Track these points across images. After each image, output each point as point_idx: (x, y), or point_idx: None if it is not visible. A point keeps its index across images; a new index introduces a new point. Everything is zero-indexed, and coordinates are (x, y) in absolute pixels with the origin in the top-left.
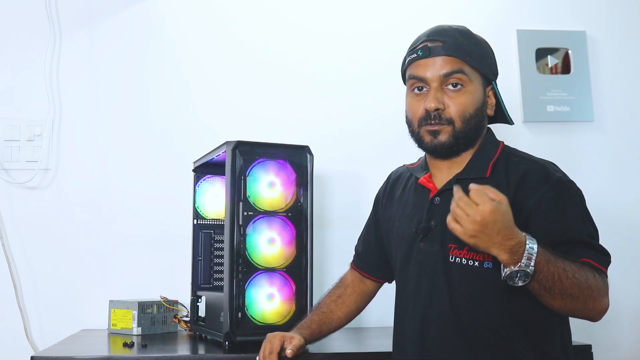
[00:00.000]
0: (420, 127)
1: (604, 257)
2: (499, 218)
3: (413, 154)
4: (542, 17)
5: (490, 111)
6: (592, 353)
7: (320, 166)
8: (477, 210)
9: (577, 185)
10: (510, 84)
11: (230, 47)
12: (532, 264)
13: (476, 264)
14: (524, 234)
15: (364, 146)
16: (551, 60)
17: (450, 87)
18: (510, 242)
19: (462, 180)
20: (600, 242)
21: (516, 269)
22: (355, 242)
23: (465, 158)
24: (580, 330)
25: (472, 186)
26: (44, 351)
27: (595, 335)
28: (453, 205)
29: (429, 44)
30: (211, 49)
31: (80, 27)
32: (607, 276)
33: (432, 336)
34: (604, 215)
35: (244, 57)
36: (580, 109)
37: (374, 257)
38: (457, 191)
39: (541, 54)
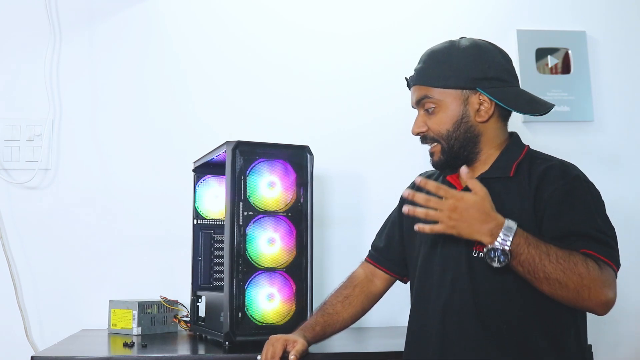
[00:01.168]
0: None
1: (609, 250)
2: (470, 204)
3: (413, 154)
4: (542, 17)
5: (480, 117)
6: (592, 353)
7: (320, 166)
8: (445, 203)
9: (595, 187)
10: None
11: (231, 47)
12: (509, 242)
13: None
14: (505, 218)
15: (364, 146)
16: (551, 60)
17: (428, 110)
18: (488, 225)
19: (487, 179)
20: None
21: (491, 246)
22: (355, 242)
23: (490, 158)
24: None
25: (431, 183)
26: (44, 351)
27: (595, 335)
28: (423, 210)
29: (408, 78)
30: (211, 49)
31: (80, 27)
32: (612, 268)
33: (453, 327)
34: None
35: (244, 57)
36: (580, 109)
37: (395, 253)
38: (418, 195)
39: (541, 54)
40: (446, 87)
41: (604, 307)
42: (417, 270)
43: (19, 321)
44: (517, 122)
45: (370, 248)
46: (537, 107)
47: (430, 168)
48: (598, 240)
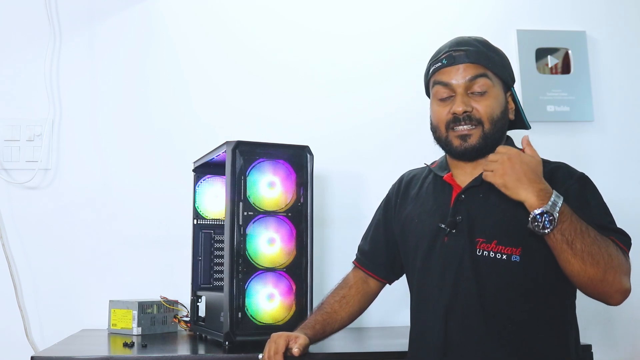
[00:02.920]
0: (448, 132)
1: (626, 239)
2: (525, 161)
3: (413, 153)
4: (542, 17)
5: (511, 115)
6: (592, 353)
7: (320, 166)
8: (503, 154)
9: None
10: None
11: (231, 47)
12: (557, 209)
13: (504, 257)
14: (553, 191)
15: (364, 146)
16: (551, 60)
17: (475, 92)
18: (537, 185)
19: (486, 182)
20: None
21: (541, 210)
22: (355, 242)
23: None
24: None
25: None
26: (44, 351)
27: (595, 335)
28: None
29: (453, 53)
30: (211, 48)
31: (80, 27)
32: (629, 258)
33: (456, 326)
34: None
35: (244, 57)
36: (580, 109)
37: (381, 257)
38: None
39: (541, 54)
40: (500, 76)
41: (622, 294)
42: (415, 270)
43: (19, 321)
44: None
45: (357, 251)
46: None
47: (419, 166)
48: (616, 231)
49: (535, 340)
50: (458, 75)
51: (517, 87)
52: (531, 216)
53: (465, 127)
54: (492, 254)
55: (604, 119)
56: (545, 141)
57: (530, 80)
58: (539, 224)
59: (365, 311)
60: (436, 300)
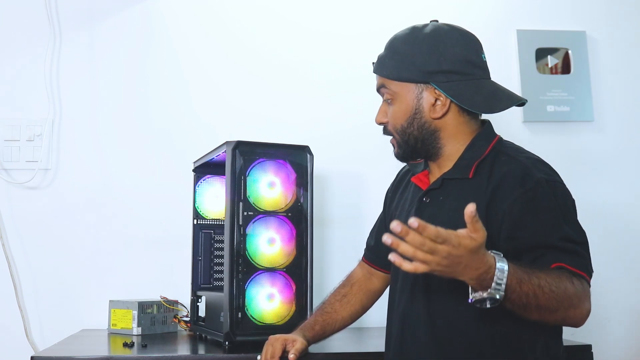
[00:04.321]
0: None
1: (581, 260)
2: (466, 252)
3: None
4: (542, 17)
5: (435, 113)
6: (592, 353)
7: (320, 166)
8: (439, 249)
9: (567, 186)
10: (510, 84)
11: (231, 47)
12: (502, 289)
13: None
14: (493, 254)
15: (364, 146)
16: (551, 60)
17: (387, 102)
18: (477, 271)
19: (448, 180)
20: (590, 244)
21: (485, 295)
22: (355, 242)
23: (456, 154)
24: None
25: (431, 229)
26: (44, 351)
27: (595, 335)
28: (409, 248)
29: (373, 62)
30: (211, 48)
31: (80, 27)
32: (586, 280)
33: (410, 335)
34: (603, 216)
35: (245, 57)
36: (580, 109)
37: (386, 251)
38: (412, 236)
39: (541, 54)
40: (400, 80)
41: (584, 319)
42: (391, 273)
43: (19, 321)
44: (517, 121)
45: (365, 246)
46: (494, 104)
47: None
48: (567, 251)
49: (483, 356)
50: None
51: (517, 87)
52: (475, 298)
53: (389, 137)
54: None
55: (604, 119)
56: (545, 141)
57: (530, 80)
58: (483, 304)
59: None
60: (397, 305)
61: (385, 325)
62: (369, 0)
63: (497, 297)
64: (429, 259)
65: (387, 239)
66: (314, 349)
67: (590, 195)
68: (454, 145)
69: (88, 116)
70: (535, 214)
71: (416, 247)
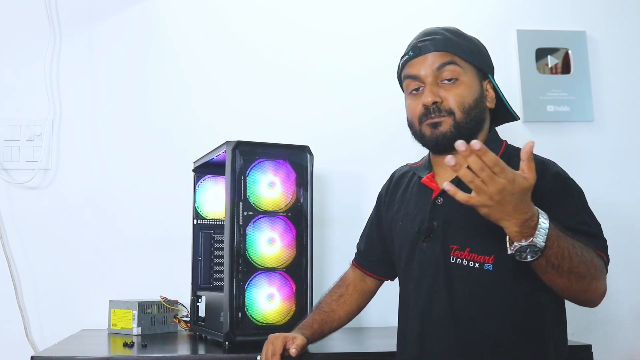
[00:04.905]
0: (421, 124)
1: (602, 242)
2: (517, 190)
3: (413, 153)
4: (542, 17)
5: (490, 104)
6: (592, 353)
7: (320, 166)
8: (494, 180)
9: (576, 183)
10: (510, 84)
11: (231, 47)
12: (544, 238)
13: (476, 265)
14: (536, 208)
15: (364, 146)
16: (551, 60)
17: (445, 81)
18: (523, 215)
19: None
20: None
21: (527, 243)
22: (355, 242)
23: None
24: (580, 330)
25: (491, 155)
26: (44, 351)
27: (595, 335)
28: (468, 173)
29: (419, 44)
30: (211, 48)
31: (80, 27)
32: (604, 261)
33: (431, 335)
34: (603, 215)
35: (244, 57)
36: (580, 109)
37: (377, 255)
38: (472, 160)
39: (541, 54)
40: (471, 62)
41: (601, 298)
42: (400, 272)
43: (19, 321)
44: (517, 121)
45: (355, 250)
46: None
47: (407, 162)
48: (588, 234)
49: (508, 351)
50: (425, 66)
51: (517, 87)
52: (515, 247)
53: (436, 117)
54: (464, 262)
55: (604, 119)
56: (545, 141)
57: (530, 80)
58: (522, 254)
59: (364, 311)
60: (413, 305)
61: (385, 325)
62: (369, 0)
63: (539, 246)
64: (484, 189)
65: (450, 159)
66: (313, 349)
67: (589, 195)
68: (470, 141)
69: (88, 116)
70: (558, 201)
71: (476, 170)
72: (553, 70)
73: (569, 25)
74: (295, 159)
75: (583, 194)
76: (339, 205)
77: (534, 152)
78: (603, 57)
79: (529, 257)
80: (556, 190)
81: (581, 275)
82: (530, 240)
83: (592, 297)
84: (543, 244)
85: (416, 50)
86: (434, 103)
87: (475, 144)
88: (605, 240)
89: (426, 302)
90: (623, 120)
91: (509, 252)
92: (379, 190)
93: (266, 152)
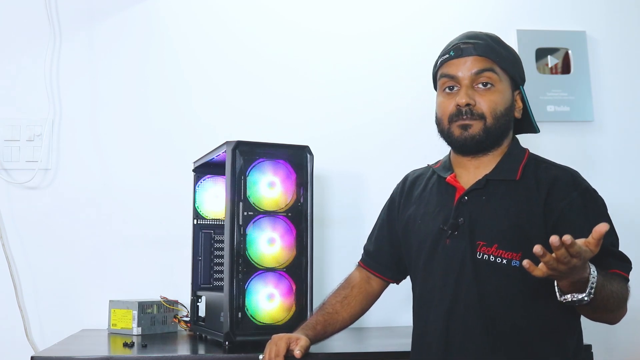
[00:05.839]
0: (450, 123)
1: (627, 265)
2: (582, 264)
3: (413, 153)
4: (542, 17)
5: (517, 114)
6: (592, 353)
7: (320, 166)
8: (571, 261)
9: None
10: None
11: (231, 47)
12: (591, 296)
13: (504, 261)
14: (589, 265)
15: (364, 146)
16: (551, 60)
17: (480, 85)
18: (579, 277)
19: (492, 180)
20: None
21: (576, 299)
22: (355, 242)
23: (493, 160)
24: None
25: (576, 246)
26: (44, 351)
27: (595, 335)
28: (554, 262)
29: (461, 46)
30: (211, 48)
31: (80, 27)
32: (628, 283)
33: (457, 329)
34: None
35: (244, 57)
36: (580, 109)
37: (386, 257)
38: (563, 252)
39: (541, 54)
40: (508, 71)
41: (620, 319)
42: (418, 271)
43: (19, 321)
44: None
45: (362, 251)
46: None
47: (419, 166)
48: (617, 257)
49: (533, 346)
50: (464, 68)
51: None
52: (567, 299)
53: (467, 119)
54: (492, 258)
55: (604, 119)
56: (545, 141)
57: (530, 80)
58: (571, 302)
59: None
60: (438, 302)
61: (386, 325)
62: (369, 0)
63: (587, 299)
64: (561, 269)
65: (539, 250)
66: (314, 349)
67: None
68: (499, 149)
69: (88, 116)
70: (591, 219)
71: (562, 262)
72: (553, 70)
73: (569, 25)
74: (295, 159)
75: (606, 208)
76: (339, 205)
77: (558, 164)
78: (603, 57)
79: (575, 303)
80: (587, 206)
81: (612, 310)
82: (580, 297)
83: (615, 321)
84: (591, 294)
85: (458, 51)
86: (467, 105)
87: (567, 239)
88: (630, 262)
89: (452, 297)
90: (623, 120)
91: (562, 299)
92: (378, 189)
93: (266, 152)
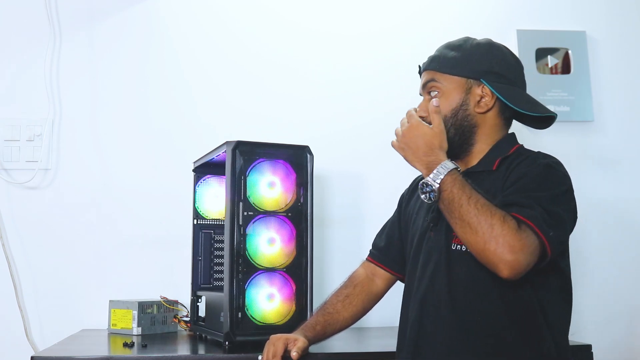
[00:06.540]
0: None
1: (542, 221)
2: (420, 134)
3: None
4: (542, 17)
5: (480, 109)
6: (592, 353)
7: (320, 166)
8: (403, 126)
9: (571, 182)
10: None
11: (231, 46)
12: (439, 180)
13: None
14: (449, 159)
15: (364, 146)
16: (551, 60)
17: (430, 95)
18: (428, 158)
19: (472, 173)
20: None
21: (424, 181)
22: (355, 242)
23: (481, 154)
24: (580, 331)
25: (409, 111)
26: (44, 351)
27: (595, 335)
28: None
29: (421, 64)
30: (211, 48)
31: (80, 27)
32: (539, 237)
33: (429, 317)
34: (603, 215)
35: (244, 57)
36: (580, 109)
37: (395, 252)
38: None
39: (541, 54)
40: (452, 74)
41: (507, 266)
42: (409, 264)
43: (19, 321)
44: (517, 122)
45: (371, 247)
46: (537, 109)
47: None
48: (535, 211)
49: (504, 336)
50: (421, 84)
51: None
52: (420, 186)
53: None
54: (464, 248)
55: (604, 119)
56: (545, 141)
57: (530, 80)
58: (425, 194)
59: None
60: (415, 291)
61: (385, 325)
62: (369, 0)
63: (434, 186)
64: (396, 133)
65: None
66: (314, 349)
67: (589, 195)
68: (483, 144)
69: (88, 116)
70: (524, 181)
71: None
72: (553, 70)
73: (569, 25)
74: (295, 159)
75: (563, 187)
76: (339, 205)
77: (545, 153)
78: (603, 57)
79: (427, 197)
80: (529, 172)
81: (472, 228)
82: (427, 178)
83: (493, 260)
84: (437, 185)
85: (419, 69)
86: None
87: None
88: (551, 226)
89: (428, 286)
90: (623, 120)
91: (420, 184)
92: (378, 189)
93: (266, 152)
